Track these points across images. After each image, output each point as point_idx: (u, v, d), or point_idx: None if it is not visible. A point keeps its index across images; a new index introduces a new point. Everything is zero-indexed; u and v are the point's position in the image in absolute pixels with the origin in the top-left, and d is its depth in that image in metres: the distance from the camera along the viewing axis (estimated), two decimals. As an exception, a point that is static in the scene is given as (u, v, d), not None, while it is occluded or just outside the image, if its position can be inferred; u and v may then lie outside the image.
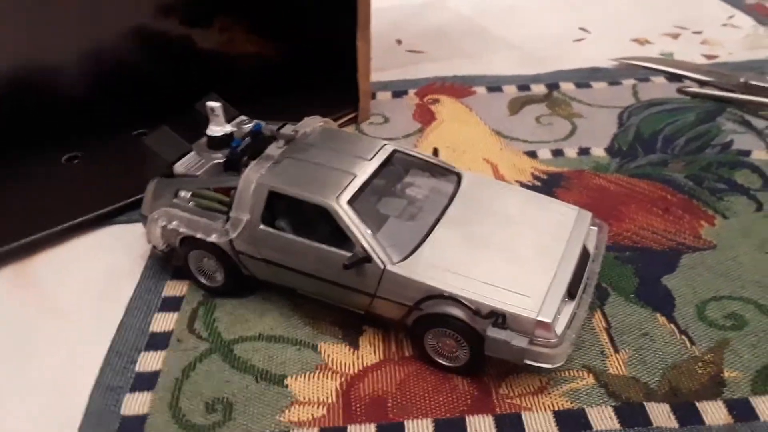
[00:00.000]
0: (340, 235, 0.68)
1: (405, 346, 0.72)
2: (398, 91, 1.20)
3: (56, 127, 1.01)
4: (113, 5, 1.05)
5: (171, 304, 0.77)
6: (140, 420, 0.65)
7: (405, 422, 0.65)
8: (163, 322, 0.75)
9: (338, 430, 0.64)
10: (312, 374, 0.69)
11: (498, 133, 1.07)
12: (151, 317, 0.76)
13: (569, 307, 0.66)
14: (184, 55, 1.14)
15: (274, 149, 0.75)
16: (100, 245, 0.87)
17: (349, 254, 0.67)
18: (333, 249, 0.68)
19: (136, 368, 0.70)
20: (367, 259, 0.67)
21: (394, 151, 0.77)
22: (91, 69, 1.06)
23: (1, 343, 0.74)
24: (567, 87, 1.20)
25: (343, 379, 0.69)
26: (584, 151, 1.03)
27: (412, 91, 1.19)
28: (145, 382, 0.68)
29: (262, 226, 0.71)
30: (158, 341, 0.73)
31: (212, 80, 0.94)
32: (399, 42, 1.38)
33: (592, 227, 0.75)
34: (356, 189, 0.70)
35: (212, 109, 0.80)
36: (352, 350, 0.72)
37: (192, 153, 0.81)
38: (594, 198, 0.92)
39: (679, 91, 1.18)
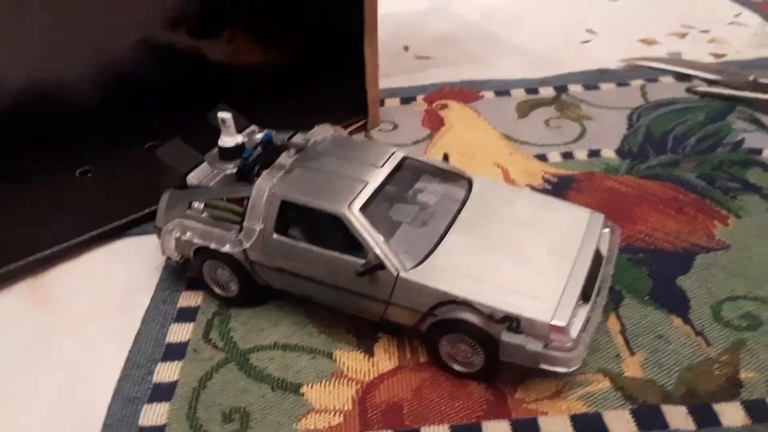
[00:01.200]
0: (353, 243, 0.68)
1: (420, 352, 0.72)
2: (406, 97, 1.20)
3: (68, 141, 1.02)
4: (124, 20, 1.06)
5: (186, 315, 0.78)
6: (158, 431, 0.65)
7: (421, 429, 0.65)
8: (179, 332, 0.76)
9: (355, 438, 0.64)
10: (328, 382, 0.69)
11: (507, 137, 1.07)
12: (168, 328, 0.76)
13: (584, 311, 0.66)
14: (194, 67, 1.15)
15: (285, 158, 0.76)
16: (114, 258, 0.88)
17: (362, 261, 0.67)
18: (346, 257, 0.68)
19: (154, 379, 0.70)
20: (381, 266, 0.67)
21: (405, 158, 0.77)
22: (101, 83, 1.07)
23: (20, 356, 0.75)
24: (575, 89, 1.20)
25: (358, 386, 0.69)
26: (594, 153, 1.03)
27: (420, 97, 1.19)
28: (163, 392, 0.69)
29: (275, 236, 0.71)
30: (175, 352, 0.73)
31: (221, 91, 0.95)
32: (406, 48, 1.39)
33: (604, 230, 0.75)
34: (368, 196, 0.71)
35: (223, 120, 0.81)
36: (367, 357, 0.72)
37: (204, 164, 0.82)
38: (606, 200, 0.92)
39: (688, 90, 1.18)
